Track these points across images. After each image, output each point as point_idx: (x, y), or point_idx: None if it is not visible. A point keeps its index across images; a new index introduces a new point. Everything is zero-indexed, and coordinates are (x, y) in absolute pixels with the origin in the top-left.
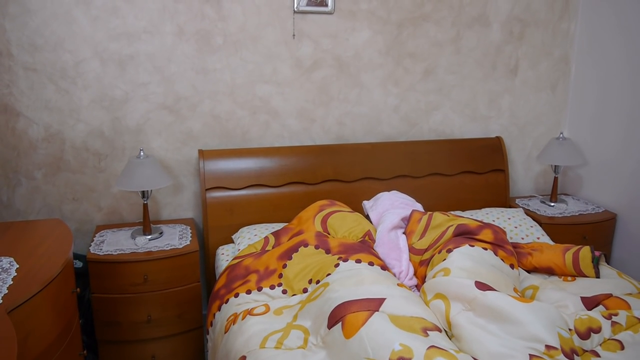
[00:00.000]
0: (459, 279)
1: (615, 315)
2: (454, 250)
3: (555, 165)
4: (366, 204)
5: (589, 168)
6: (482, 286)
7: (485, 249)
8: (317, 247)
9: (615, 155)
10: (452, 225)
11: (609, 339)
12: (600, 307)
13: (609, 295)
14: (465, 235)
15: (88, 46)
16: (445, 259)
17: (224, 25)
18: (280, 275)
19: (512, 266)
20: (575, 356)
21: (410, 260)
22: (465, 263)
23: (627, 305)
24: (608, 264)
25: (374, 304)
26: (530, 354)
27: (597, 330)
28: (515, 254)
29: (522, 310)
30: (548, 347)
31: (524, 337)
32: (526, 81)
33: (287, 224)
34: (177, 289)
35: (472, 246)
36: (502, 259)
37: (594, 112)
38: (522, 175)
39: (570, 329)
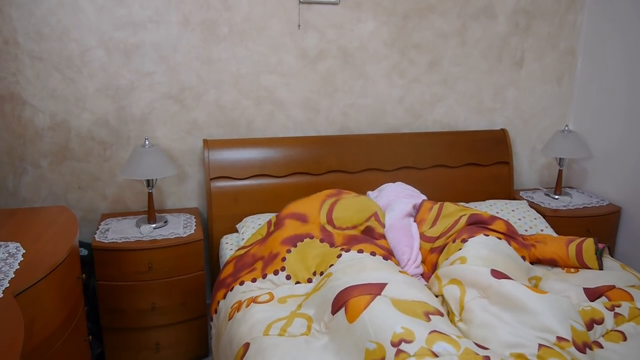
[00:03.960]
0: (475, 267)
1: (618, 306)
2: (469, 239)
3: (559, 158)
4: (371, 194)
5: (594, 161)
6: (497, 274)
7: (500, 238)
8: (322, 241)
9: (620, 149)
10: (464, 215)
11: (611, 330)
12: (603, 298)
13: (612, 287)
14: (478, 224)
15: (94, 35)
16: (461, 249)
17: (229, 15)
18: (284, 259)
19: (523, 258)
20: (587, 350)
21: (420, 247)
22: (482, 251)
23: (629, 297)
24: (612, 256)
25: (375, 289)
26: (540, 344)
27: (600, 322)
28: (526, 247)
29: (536, 301)
30: (559, 338)
31: (535, 327)
32: (532, 73)
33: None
34: (181, 277)
35: (487, 235)
36: (514, 250)
37: (600, 105)
38: (527, 167)
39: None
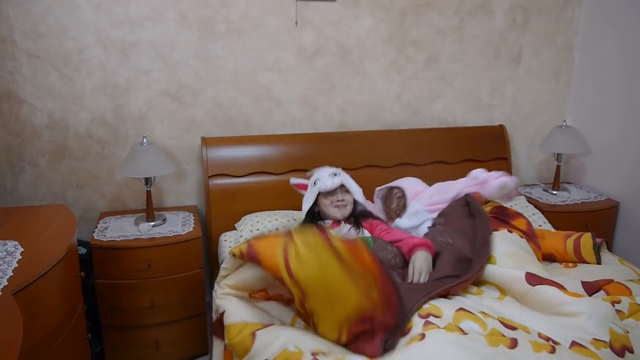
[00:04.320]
0: (509, 270)
1: (618, 302)
2: (493, 233)
3: (557, 154)
4: (378, 191)
5: (592, 156)
6: (532, 279)
7: (521, 237)
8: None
9: (618, 144)
10: (489, 204)
11: None
12: (602, 293)
13: (610, 281)
14: (499, 217)
15: (91, 33)
16: None
17: (227, 13)
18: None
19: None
20: (627, 352)
21: None
22: (506, 247)
23: (628, 291)
24: (610, 251)
25: None
26: (573, 341)
27: None
28: (539, 248)
29: (574, 305)
30: (596, 339)
31: (572, 328)
32: (529, 69)
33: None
34: (180, 275)
35: (511, 232)
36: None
37: (597, 101)
38: (525, 163)
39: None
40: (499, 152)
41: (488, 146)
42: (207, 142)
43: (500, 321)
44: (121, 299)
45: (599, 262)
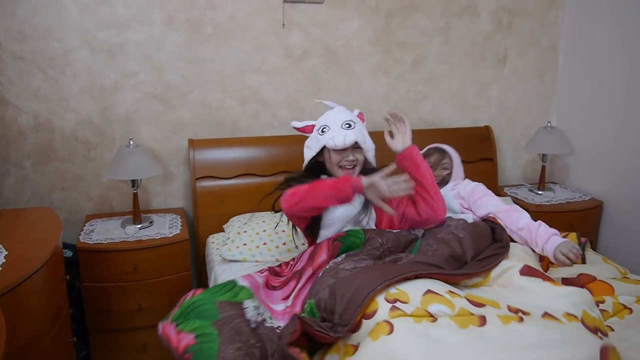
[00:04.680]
0: (507, 261)
1: (602, 302)
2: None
3: (542, 154)
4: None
5: (577, 157)
6: (527, 270)
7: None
8: None
9: (602, 144)
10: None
11: None
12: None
13: (593, 278)
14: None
15: (77, 35)
16: None
17: (214, 14)
18: None
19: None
20: (600, 334)
21: None
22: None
23: (611, 289)
24: (594, 250)
25: None
26: (545, 312)
27: None
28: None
29: (552, 290)
30: (568, 314)
31: (544, 303)
32: (515, 71)
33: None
34: (167, 277)
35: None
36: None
37: (582, 101)
38: (511, 164)
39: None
40: (485, 153)
41: (474, 147)
42: (194, 144)
43: (468, 299)
44: (108, 302)
45: (583, 262)
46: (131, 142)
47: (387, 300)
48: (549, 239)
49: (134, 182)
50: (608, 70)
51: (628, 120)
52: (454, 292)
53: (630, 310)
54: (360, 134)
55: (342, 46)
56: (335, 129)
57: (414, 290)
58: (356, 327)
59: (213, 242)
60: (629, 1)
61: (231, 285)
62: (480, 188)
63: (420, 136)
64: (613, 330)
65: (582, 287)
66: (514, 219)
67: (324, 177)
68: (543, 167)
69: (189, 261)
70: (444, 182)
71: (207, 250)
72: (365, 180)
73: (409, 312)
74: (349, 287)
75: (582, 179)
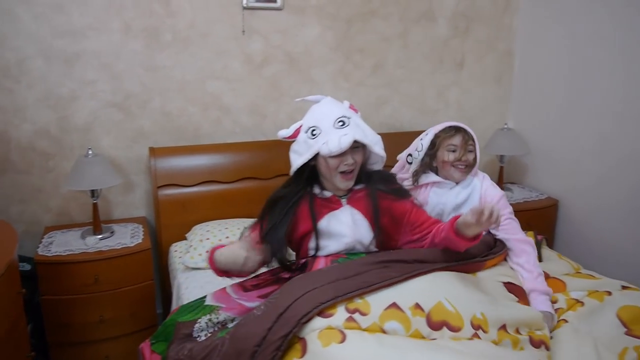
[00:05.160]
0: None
1: (555, 301)
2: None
3: (500, 155)
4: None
5: (533, 157)
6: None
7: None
8: None
9: (556, 144)
10: None
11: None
12: None
13: (547, 277)
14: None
15: (32, 44)
16: None
17: (173, 22)
18: None
19: None
20: (544, 347)
21: None
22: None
23: (563, 286)
24: (552, 247)
25: None
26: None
27: None
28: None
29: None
30: (417, 305)
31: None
32: (472, 74)
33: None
34: (129, 287)
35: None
36: None
37: (537, 103)
38: None
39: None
40: None
41: None
42: (155, 152)
43: (428, 318)
44: (68, 315)
45: (540, 259)
46: (90, 152)
47: (347, 310)
48: (535, 297)
49: (93, 192)
50: (561, 73)
51: (580, 121)
52: (420, 307)
53: (582, 304)
54: (357, 130)
55: (303, 52)
56: (327, 130)
57: (378, 302)
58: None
59: (176, 251)
60: (579, 6)
61: (197, 303)
62: (503, 202)
63: (383, 140)
64: (567, 322)
65: None
66: (518, 251)
67: (316, 189)
68: (501, 168)
69: (152, 270)
70: (470, 166)
71: (170, 259)
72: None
73: (363, 327)
74: (295, 294)
75: (538, 178)
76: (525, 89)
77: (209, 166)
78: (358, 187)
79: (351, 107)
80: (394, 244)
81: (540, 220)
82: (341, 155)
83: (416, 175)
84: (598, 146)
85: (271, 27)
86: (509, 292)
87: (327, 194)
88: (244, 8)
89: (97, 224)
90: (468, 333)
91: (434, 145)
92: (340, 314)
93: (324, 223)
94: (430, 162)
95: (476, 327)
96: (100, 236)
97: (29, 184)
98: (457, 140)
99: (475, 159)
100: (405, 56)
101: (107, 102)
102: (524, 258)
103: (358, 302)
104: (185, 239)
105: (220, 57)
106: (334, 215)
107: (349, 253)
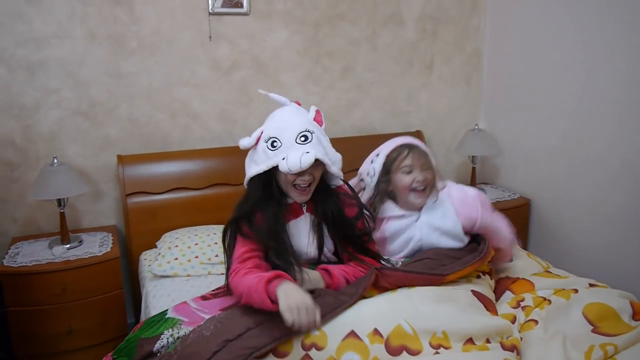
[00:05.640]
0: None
1: (522, 300)
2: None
3: (472, 156)
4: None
5: (505, 157)
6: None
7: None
8: None
9: (526, 144)
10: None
11: (524, 322)
12: (507, 293)
13: (516, 279)
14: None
15: None
16: None
17: (137, 29)
18: None
19: None
20: (515, 351)
21: None
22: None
23: (531, 286)
24: (525, 246)
25: None
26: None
27: (513, 321)
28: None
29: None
30: (375, 330)
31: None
32: (442, 76)
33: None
34: (98, 297)
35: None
36: None
37: (507, 104)
38: (444, 166)
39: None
40: None
41: None
42: (123, 160)
43: (387, 344)
44: (36, 326)
45: (510, 260)
46: (55, 161)
47: (303, 346)
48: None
49: (59, 202)
50: (529, 73)
51: (549, 120)
52: (378, 333)
53: (549, 302)
54: (319, 147)
55: (271, 57)
56: (288, 144)
57: (335, 332)
58: (262, 354)
59: (145, 259)
60: (545, 5)
61: (159, 317)
62: (483, 199)
63: (354, 143)
64: (537, 322)
65: (505, 290)
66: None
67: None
68: (473, 169)
69: (121, 279)
70: (430, 187)
71: (139, 268)
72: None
73: None
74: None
75: (511, 178)
76: (495, 90)
77: (178, 173)
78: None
79: (317, 114)
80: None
81: (513, 219)
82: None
83: (372, 205)
84: (567, 144)
85: (238, 32)
86: (479, 301)
87: (290, 200)
88: (210, 14)
89: (65, 233)
90: (428, 354)
91: (387, 170)
92: (295, 352)
93: (289, 231)
94: (386, 188)
95: (435, 346)
96: (67, 246)
97: None
98: (410, 160)
99: (434, 177)
100: (374, 59)
101: (72, 110)
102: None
103: (315, 335)
104: (155, 246)
105: (187, 63)
106: (295, 224)
107: (312, 263)
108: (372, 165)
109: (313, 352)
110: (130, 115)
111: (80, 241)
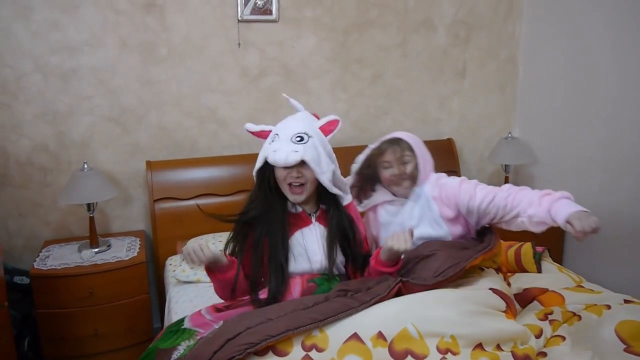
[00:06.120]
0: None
1: (550, 313)
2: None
3: (505, 165)
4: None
5: (540, 166)
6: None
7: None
8: None
9: (564, 153)
10: None
11: (551, 337)
12: (535, 303)
13: (545, 290)
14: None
15: (29, 60)
16: None
17: (168, 36)
18: None
19: None
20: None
21: None
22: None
23: (561, 300)
24: (560, 261)
25: None
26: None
27: (539, 335)
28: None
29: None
30: (379, 334)
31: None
32: (474, 83)
33: None
34: (124, 301)
35: None
36: None
37: (543, 112)
38: (475, 175)
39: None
40: (448, 165)
41: (437, 160)
42: (151, 165)
43: (390, 348)
44: (63, 328)
45: (539, 271)
46: (85, 166)
47: (304, 346)
48: (557, 208)
49: (89, 206)
50: (566, 80)
51: (585, 129)
52: (382, 337)
53: (579, 317)
54: (312, 151)
55: (299, 64)
56: (283, 140)
57: (338, 334)
58: (261, 352)
59: (170, 264)
60: (582, 11)
61: (176, 327)
62: (465, 185)
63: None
64: (564, 338)
65: (532, 299)
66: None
67: (289, 204)
68: (506, 178)
69: (147, 284)
70: (410, 179)
71: (165, 273)
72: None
73: None
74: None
75: (545, 187)
76: (530, 97)
77: (205, 179)
78: (324, 206)
79: (329, 123)
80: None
81: (547, 232)
82: (287, 167)
83: (354, 192)
84: (604, 154)
85: (267, 39)
86: (501, 298)
87: (299, 209)
88: (239, 21)
89: (94, 237)
90: (435, 359)
91: (372, 166)
92: (295, 352)
93: (293, 241)
94: (374, 181)
95: (443, 351)
96: (96, 250)
97: (27, 198)
98: (388, 155)
99: (416, 168)
100: (404, 66)
101: (103, 117)
102: (523, 201)
103: (316, 336)
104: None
105: (216, 70)
106: (303, 233)
107: (323, 273)
108: (359, 156)
109: (313, 353)
110: (159, 122)
111: (109, 245)
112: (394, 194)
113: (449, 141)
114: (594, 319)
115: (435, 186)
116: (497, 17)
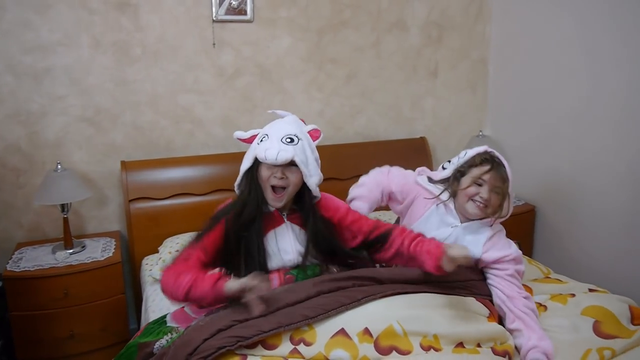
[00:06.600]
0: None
1: None
2: None
3: None
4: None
5: (510, 163)
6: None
7: None
8: None
9: (532, 150)
10: None
11: None
12: None
13: None
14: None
15: (0, 60)
16: None
17: (142, 36)
18: None
19: None
20: (507, 357)
21: None
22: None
23: (529, 292)
24: (530, 253)
25: None
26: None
27: None
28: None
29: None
30: (366, 330)
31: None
32: (447, 83)
33: None
34: (100, 302)
35: None
36: None
37: (513, 110)
38: None
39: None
40: (421, 163)
41: (410, 158)
42: (126, 165)
43: (376, 343)
44: (38, 330)
45: None
46: (59, 167)
47: (292, 340)
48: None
49: (63, 207)
50: (535, 80)
51: (554, 127)
52: (368, 333)
53: (545, 308)
54: (301, 153)
55: (275, 64)
56: (273, 140)
57: (325, 330)
58: (251, 345)
59: (147, 264)
60: (550, 13)
61: (158, 324)
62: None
63: (357, 149)
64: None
65: None
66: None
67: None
68: None
69: (123, 284)
70: (489, 207)
71: (141, 273)
72: (231, 285)
73: (307, 358)
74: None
75: (516, 184)
76: (501, 96)
77: (181, 179)
78: (295, 206)
79: (315, 131)
80: (340, 252)
81: (518, 226)
82: (274, 167)
83: (444, 186)
84: (572, 151)
85: (242, 39)
86: (486, 307)
87: (271, 208)
88: (214, 21)
89: (68, 238)
90: (419, 354)
91: (464, 168)
92: (284, 346)
93: (267, 240)
94: (453, 182)
95: (426, 348)
96: (70, 251)
97: None
98: (489, 177)
99: (500, 205)
100: (378, 65)
101: (77, 117)
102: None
103: (305, 330)
104: (157, 252)
105: (191, 70)
106: (276, 232)
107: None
108: (457, 157)
109: (301, 347)
110: (134, 122)
111: (84, 246)
112: (455, 208)
113: (422, 140)
114: (559, 307)
115: (493, 238)
116: (467, 18)
